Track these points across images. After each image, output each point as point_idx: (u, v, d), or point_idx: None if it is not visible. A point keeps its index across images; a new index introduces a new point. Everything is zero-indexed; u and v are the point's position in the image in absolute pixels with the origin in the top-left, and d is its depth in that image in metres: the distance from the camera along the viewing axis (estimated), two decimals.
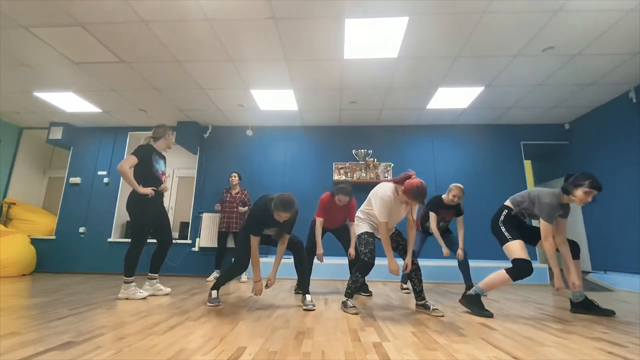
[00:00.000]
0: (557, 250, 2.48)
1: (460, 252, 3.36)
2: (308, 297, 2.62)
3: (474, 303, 2.44)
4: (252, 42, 3.33)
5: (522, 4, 2.77)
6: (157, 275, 3.12)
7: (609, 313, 2.40)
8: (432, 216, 3.40)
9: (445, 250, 3.37)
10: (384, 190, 2.43)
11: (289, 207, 2.37)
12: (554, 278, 2.32)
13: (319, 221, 3.21)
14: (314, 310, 2.49)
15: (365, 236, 2.54)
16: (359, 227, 2.63)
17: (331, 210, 3.15)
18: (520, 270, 2.30)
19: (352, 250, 3.22)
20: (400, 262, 2.49)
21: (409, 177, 2.33)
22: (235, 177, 4.59)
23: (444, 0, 2.75)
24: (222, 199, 4.59)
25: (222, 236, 4.47)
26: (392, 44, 3.32)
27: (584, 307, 2.46)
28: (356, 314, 2.36)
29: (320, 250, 3.20)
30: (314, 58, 3.60)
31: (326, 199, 3.15)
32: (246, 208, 4.48)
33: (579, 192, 2.25)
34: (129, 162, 2.85)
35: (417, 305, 2.56)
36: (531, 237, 2.55)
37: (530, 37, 3.19)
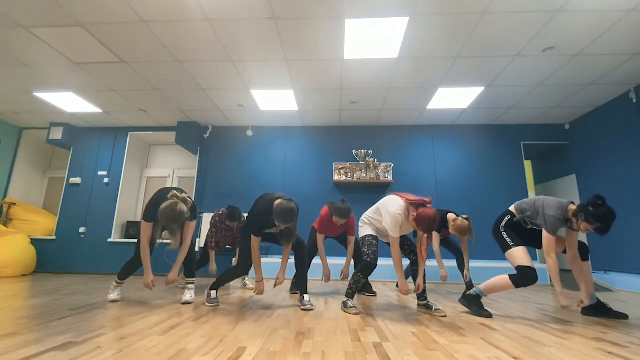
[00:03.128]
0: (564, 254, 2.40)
1: (467, 272, 3.33)
2: (306, 296, 2.61)
3: (473, 303, 2.44)
4: (252, 42, 3.33)
5: (522, 4, 2.77)
6: (190, 279, 2.88)
7: (622, 316, 2.33)
8: (435, 235, 3.28)
9: (442, 272, 3.29)
10: (395, 207, 2.32)
11: (288, 220, 2.36)
12: (558, 295, 2.19)
13: (320, 238, 3.18)
14: (312, 309, 2.49)
15: (369, 238, 2.54)
16: (363, 229, 2.63)
17: (330, 226, 3.13)
18: (524, 277, 2.24)
19: (345, 270, 3.19)
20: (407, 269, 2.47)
21: (424, 204, 2.23)
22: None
23: (444, 0, 2.75)
24: (213, 223, 3.58)
25: (207, 252, 3.68)
26: (392, 44, 3.32)
27: (595, 309, 2.39)
28: (356, 314, 2.35)
29: (327, 270, 3.19)
30: (314, 58, 3.60)
31: (325, 216, 3.10)
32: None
33: (583, 224, 2.13)
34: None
35: (418, 305, 2.55)
36: (536, 240, 2.44)
37: (530, 37, 3.19)
